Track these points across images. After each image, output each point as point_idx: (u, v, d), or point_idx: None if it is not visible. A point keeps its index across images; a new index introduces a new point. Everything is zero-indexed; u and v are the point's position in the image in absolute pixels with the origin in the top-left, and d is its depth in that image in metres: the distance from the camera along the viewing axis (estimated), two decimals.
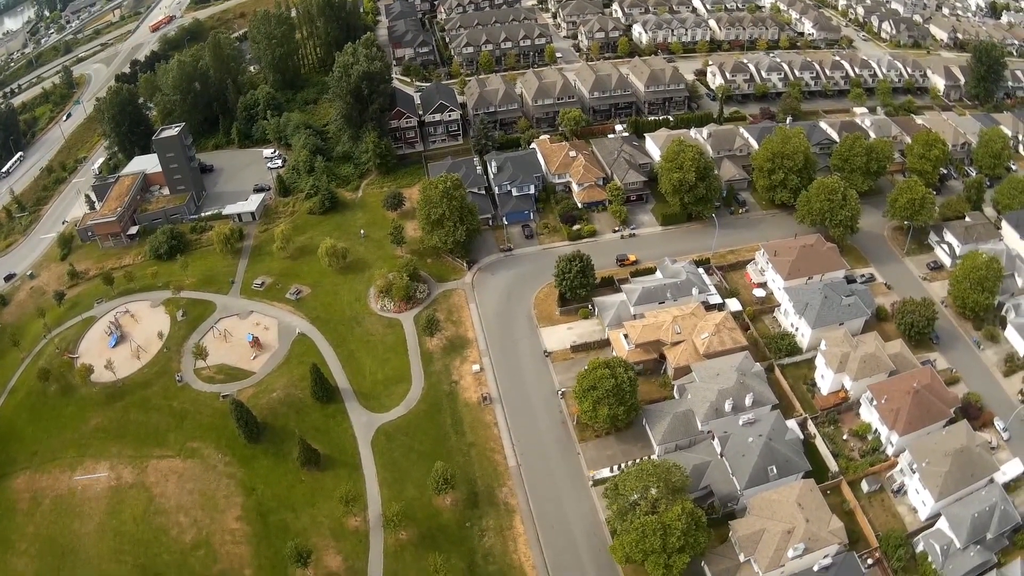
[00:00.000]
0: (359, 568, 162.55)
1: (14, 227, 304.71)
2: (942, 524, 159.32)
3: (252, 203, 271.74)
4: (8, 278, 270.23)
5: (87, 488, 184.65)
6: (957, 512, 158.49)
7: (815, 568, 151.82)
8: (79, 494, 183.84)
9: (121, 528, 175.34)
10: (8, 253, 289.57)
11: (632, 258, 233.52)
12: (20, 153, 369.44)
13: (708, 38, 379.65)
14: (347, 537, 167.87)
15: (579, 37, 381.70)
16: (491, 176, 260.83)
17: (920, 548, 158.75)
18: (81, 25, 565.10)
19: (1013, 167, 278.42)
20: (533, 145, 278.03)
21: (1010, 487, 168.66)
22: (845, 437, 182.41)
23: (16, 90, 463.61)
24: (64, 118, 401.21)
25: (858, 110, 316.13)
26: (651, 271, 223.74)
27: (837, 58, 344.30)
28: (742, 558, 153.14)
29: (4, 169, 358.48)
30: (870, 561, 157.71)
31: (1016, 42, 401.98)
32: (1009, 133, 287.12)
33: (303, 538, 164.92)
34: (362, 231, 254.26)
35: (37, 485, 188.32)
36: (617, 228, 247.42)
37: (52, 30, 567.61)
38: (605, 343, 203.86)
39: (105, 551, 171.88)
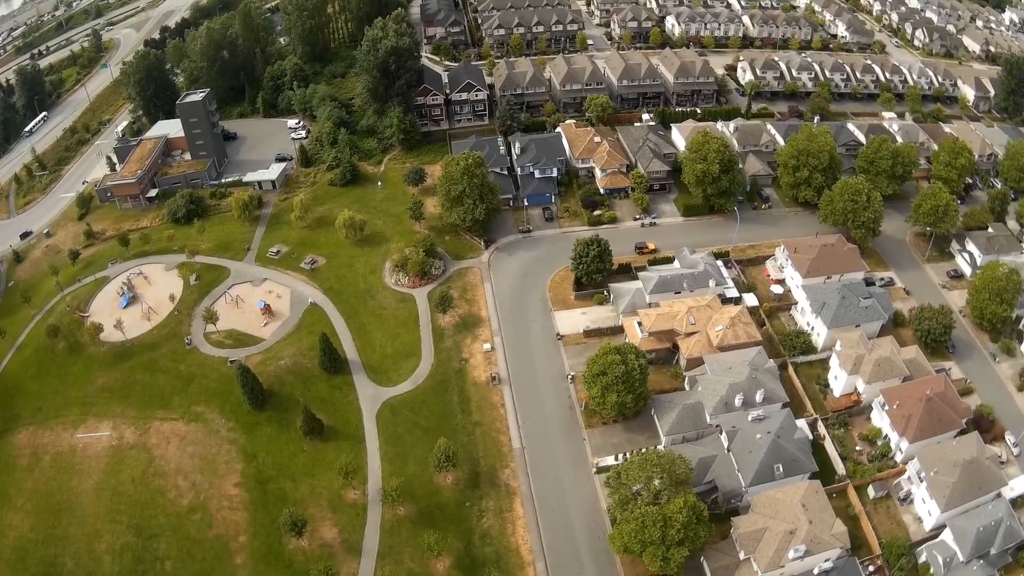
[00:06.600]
0: (354, 541, 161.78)
1: (34, 185, 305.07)
2: (946, 536, 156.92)
3: (273, 172, 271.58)
4: (24, 235, 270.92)
5: (88, 446, 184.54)
6: (962, 524, 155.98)
7: (815, 571, 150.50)
8: (80, 452, 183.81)
9: (119, 488, 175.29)
10: (26, 211, 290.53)
11: (651, 246, 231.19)
12: (44, 113, 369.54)
13: (741, 34, 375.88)
14: (345, 509, 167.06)
15: (611, 25, 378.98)
16: (514, 157, 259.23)
17: (923, 559, 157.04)
18: None
19: None
20: (558, 129, 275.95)
21: (1017, 503, 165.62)
22: (857, 446, 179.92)
23: (44, 51, 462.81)
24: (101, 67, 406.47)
25: (886, 114, 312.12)
26: (669, 260, 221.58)
27: (868, 62, 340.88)
28: (742, 556, 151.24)
29: (28, 128, 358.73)
30: (871, 568, 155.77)
31: None
32: None
33: (300, 508, 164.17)
34: (379, 183, 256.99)
35: (39, 441, 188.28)
36: (638, 216, 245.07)
37: None
38: (619, 330, 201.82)
39: (101, 510, 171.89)
